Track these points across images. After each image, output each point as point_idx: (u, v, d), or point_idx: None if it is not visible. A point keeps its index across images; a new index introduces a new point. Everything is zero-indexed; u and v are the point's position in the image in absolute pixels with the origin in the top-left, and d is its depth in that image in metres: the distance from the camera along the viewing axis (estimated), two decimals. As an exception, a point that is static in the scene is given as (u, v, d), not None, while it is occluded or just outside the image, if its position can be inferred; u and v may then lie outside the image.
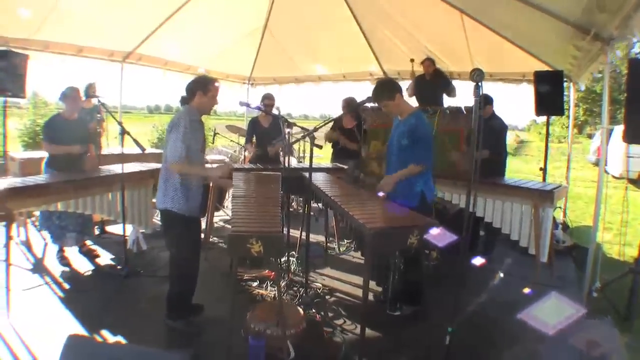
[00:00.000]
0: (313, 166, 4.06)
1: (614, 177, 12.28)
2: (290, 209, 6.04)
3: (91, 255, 5.08)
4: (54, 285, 4.32)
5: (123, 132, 4.51)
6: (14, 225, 4.93)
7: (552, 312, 1.91)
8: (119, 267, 4.78)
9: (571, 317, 1.87)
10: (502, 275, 4.50)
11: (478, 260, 2.59)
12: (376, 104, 3.99)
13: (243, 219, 3.05)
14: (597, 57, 4.91)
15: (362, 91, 9.46)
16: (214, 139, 9.30)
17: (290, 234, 4.98)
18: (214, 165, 5.16)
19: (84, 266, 4.85)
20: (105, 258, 5.10)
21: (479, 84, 2.42)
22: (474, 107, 2.47)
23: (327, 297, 4.30)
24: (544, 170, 6.42)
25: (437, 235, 2.78)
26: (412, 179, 3.76)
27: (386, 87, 3.91)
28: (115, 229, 5.96)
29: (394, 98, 3.82)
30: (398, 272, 3.86)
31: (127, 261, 4.69)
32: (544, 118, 7.34)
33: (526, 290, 4.27)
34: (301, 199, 7.13)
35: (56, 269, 4.73)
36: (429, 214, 3.62)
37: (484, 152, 5.38)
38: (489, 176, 5.02)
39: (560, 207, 6.52)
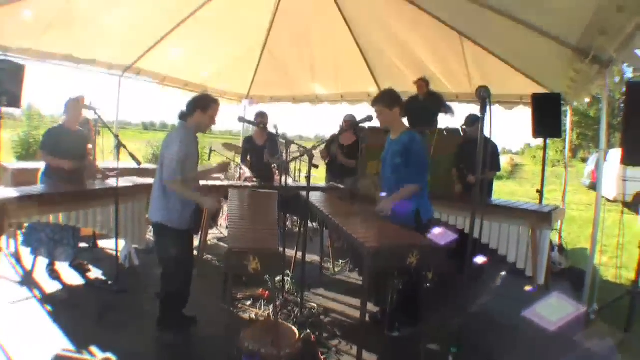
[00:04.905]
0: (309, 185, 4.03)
1: (608, 200, 12.33)
2: (286, 228, 6.00)
3: (82, 270, 4.99)
4: (42, 299, 4.22)
5: (119, 145, 4.46)
6: (4, 237, 4.84)
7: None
8: (110, 282, 4.69)
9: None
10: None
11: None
12: (369, 119, 3.91)
13: (240, 235, 3.01)
14: (595, 79, 4.95)
15: (359, 113, 9.49)
16: (209, 156, 9.25)
17: (286, 253, 4.91)
18: (209, 183, 5.16)
19: (74, 280, 4.75)
20: (96, 273, 5.00)
21: (486, 100, 2.40)
22: (480, 125, 2.44)
23: (322, 317, 4.22)
24: (540, 192, 6.41)
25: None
26: (407, 199, 3.74)
27: (389, 95, 3.91)
28: (107, 243, 5.87)
29: (391, 108, 3.82)
30: (397, 292, 3.80)
31: (119, 276, 4.60)
32: (538, 142, 7.41)
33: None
34: (296, 218, 7.07)
35: (46, 282, 4.63)
36: (424, 233, 3.58)
37: (490, 174, 5.41)
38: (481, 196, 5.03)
39: (556, 230, 6.50)
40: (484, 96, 2.42)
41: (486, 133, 2.69)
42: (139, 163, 4.45)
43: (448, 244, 2.84)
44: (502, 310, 4.28)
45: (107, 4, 5.67)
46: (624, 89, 4.42)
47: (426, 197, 3.88)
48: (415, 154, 3.71)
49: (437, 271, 4.70)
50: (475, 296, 3.96)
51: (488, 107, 2.43)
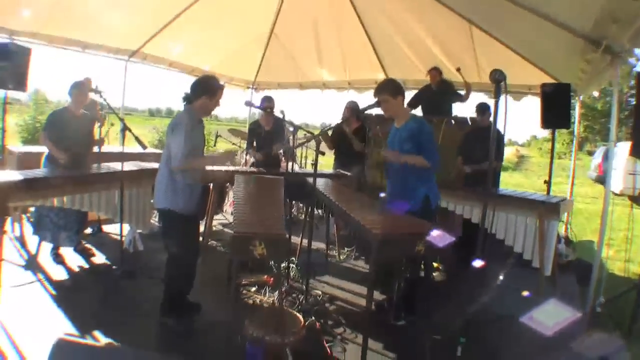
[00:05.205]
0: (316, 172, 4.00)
1: (614, 193, 12.25)
2: (292, 215, 5.96)
3: (86, 254, 4.98)
4: (46, 283, 4.21)
5: (124, 128, 4.41)
6: (9, 220, 4.84)
7: (552, 316, 1.91)
8: (114, 267, 4.68)
9: (570, 320, 1.87)
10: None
11: (478, 263, 2.52)
12: (377, 104, 3.89)
13: (246, 220, 2.97)
14: (605, 70, 4.88)
15: (366, 100, 9.35)
16: (215, 142, 9.24)
17: (291, 240, 4.89)
18: (215, 168, 5.12)
19: (78, 265, 4.75)
20: (100, 257, 5.00)
21: (500, 84, 2.33)
22: (495, 109, 2.37)
23: (327, 304, 4.20)
24: (548, 183, 6.35)
25: (437, 236, 2.72)
26: (415, 182, 3.73)
27: (393, 84, 3.92)
28: (111, 228, 5.86)
29: (396, 97, 3.82)
30: (404, 281, 3.78)
31: (123, 261, 4.60)
32: (544, 133, 7.37)
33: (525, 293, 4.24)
34: (302, 205, 7.05)
35: (50, 266, 4.62)
36: (431, 219, 3.55)
37: (496, 164, 5.35)
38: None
39: (562, 221, 6.45)
40: (499, 79, 2.34)
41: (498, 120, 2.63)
42: (144, 147, 4.42)
43: (450, 242, 2.79)
44: (508, 301, 4.26)
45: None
46: (632, 82, 4.38)
47: (434, 182, 3.87)
48: (425, 138, 3.72)
49: (445, 260, 4.69)
50: (481, 287, 3.92)
51: (502, 91, 2.35)
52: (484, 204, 2.70)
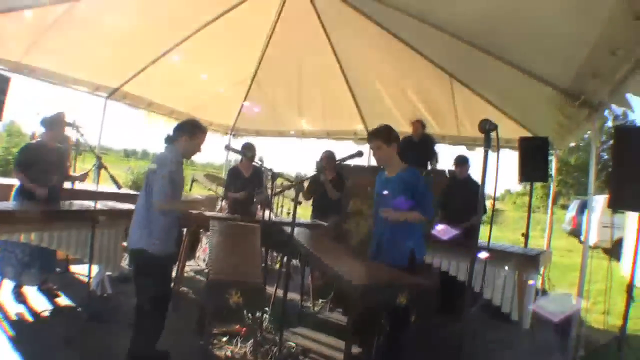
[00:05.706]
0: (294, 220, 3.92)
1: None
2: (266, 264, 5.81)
3: (51, 294, 4.74)
4: (5, 323, 3.99)
5: (100, 166, 4.29)
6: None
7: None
8: (79, 309, 4.46)
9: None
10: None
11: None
12: (358, 154, 3.85)
13: (223, 267, 2.87)
14: (582, 125, 5.00)
15: (344, 150, 9.38)
16: (191, 186, 9.10)
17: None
18: (193, 212, 5.01)
19: (41, 305, 4.51)
20: (65, 299, 4.76)
21: (490, 135, 2.29)
22: (484, 160, 2.32)
23: (300, 357, 4.03)
24: (526, 236, 6.38)
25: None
26: (402, 235, 3.60)
27: (387, 130, 3.77)
28: (79, 268, 5.62)
29: (390, 144, 3.71)
30: (383, 333, 3.65)
31: (90, 304, 4.37)
32: (518, 188, 7.46)
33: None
34: (276, 254, 6.89)
35: (10, 305, 4.39)
36: (417, 273, 3.47)
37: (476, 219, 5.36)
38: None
39: (540, 274, 6.45)
40: (489, 129, 2.31)
41: (476, 173, 2.62)
42: (119, 187, 4.31)
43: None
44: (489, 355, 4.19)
45: (97, 25, 5.62)
46: (603, 137, 4.51)
47: (421, 235, 3.76)
48: (422, 190, 3.61)
49: (425, 312, 4.60)
50: (460, 340, 3.86)
51: (492, 141, 2.32)
52: (471, 259, 2.63)
